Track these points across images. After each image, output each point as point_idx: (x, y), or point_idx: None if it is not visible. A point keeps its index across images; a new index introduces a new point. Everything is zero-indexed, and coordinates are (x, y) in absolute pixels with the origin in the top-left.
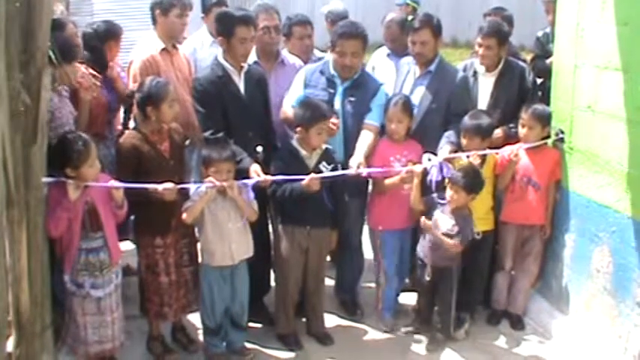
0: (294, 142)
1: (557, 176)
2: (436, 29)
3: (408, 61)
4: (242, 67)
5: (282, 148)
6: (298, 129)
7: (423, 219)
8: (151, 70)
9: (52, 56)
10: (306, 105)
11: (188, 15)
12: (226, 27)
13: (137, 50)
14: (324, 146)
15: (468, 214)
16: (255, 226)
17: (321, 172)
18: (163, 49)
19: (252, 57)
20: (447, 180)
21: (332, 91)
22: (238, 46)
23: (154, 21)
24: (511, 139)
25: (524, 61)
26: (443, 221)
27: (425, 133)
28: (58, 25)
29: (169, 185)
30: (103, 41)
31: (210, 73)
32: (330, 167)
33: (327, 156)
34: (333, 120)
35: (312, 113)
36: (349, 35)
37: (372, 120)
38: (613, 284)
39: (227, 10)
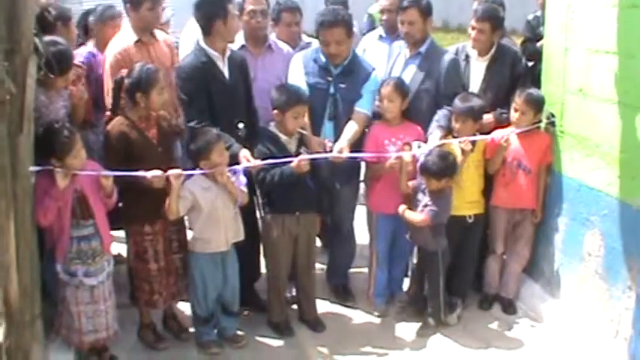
0: (273, 128)
1: (548, 160)
2: (424, 9)
3: (400, 44)
4: (225, 52)
5: (262, 135)
6: (275, 112)
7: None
8: (123, 64)
9: (44, 68)
10: (282, 89)
11: (161, 4)
12: (205, 21)
13: (113, 42)
14: (299, 131)
15: (447, 195)
16: (244, 213)
17: None
18: (138, 41)
19: (240, 41)
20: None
21: (329, 78)
22: (215, 40)
23: (127, 14)
24: (501, 124)
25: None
26: (424, 203)
27: (414, 114)
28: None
29: (158, 172)
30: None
31: (194, 58)
32: (309, 151)
33: (304, 141)
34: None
35: (288, 97)
36: (329, 24)
37: (361, 107)
38: (604, 268)
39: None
